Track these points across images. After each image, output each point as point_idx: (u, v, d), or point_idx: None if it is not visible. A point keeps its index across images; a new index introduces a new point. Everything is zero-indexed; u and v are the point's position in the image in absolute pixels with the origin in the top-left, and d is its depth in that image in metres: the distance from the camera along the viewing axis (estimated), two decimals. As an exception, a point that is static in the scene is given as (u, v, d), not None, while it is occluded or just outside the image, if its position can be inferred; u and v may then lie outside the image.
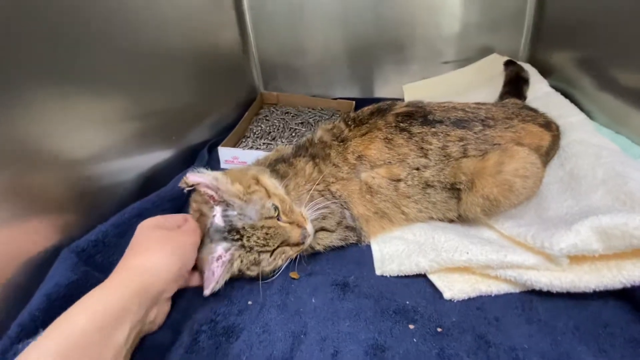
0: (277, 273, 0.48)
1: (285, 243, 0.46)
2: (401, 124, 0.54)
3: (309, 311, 0.44)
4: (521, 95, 0.78)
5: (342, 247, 0.53)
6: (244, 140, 0.87)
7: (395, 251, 0.49)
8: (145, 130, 0.65)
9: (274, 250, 0.46)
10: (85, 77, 0.53)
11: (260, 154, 0.75)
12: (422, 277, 0.47)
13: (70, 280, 0.43)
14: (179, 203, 0.60)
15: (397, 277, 0.47)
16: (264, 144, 0.85)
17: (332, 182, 0.53)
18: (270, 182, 0.50)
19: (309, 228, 0.48)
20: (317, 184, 0.52)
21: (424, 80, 0.99)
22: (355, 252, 0.53)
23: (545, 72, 0.83)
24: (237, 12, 0.96)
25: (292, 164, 0.56)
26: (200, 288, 0.45)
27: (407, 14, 0.92)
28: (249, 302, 0.46)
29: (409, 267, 0.46)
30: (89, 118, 0.54)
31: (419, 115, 0.54)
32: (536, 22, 0.89)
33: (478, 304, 0.42)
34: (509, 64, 0.85)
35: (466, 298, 0.43)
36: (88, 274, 0.45)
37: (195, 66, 0.81)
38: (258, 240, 0.44)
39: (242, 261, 0.44)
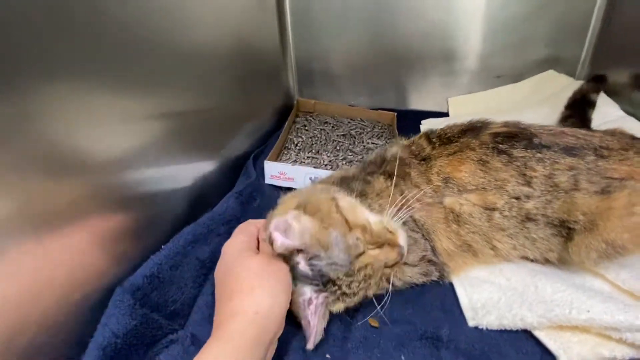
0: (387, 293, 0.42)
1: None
2: (500, 145, 0.47)
3: (402, 371, 0.38)
4: (585, 119, 0.72)
5: (423, 284, 0.48)
6: (285, 152, 0.80)
7: (489, 299, 0.44)
8: (188, 136, 0.58)
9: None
10: (130, 73, 0.46)
11: (308, 170, 0.69)
12: (526, 332, 0.41)
13: (128, 328, 0.37)
14: (234, 225, 0.54)
15: (496, 331, 0.41)
16: (308, 157, 0.79)
17: (416, 208, 0.47)
18: (348, 205, 0.43)
19: (402, 241, 0.41)
20: (399, 209, 0.45)
21: (473, 94, 0.94)
22: (437, 294, 0.47)
23: (610, 93, 0.78)
24: (279, 14, 0.90)
25: (368, 182, 0.49)
26: None
27: (460, 23, 0.87)
28: (327, 356, 0.40)
29: (512, 321, 0.40)
30: (133, 116, 0.47)
31: (522, 138, 0.48)
32: (600, 38, 0.83)
33: (600, 372, 0.37)
34: (594, 80, 0.78)
35: (585, 364, 0.37)
36: (147, 317, 0.39)
37: (236, 69, 0.75)
38: (360, 284, 0.38)
39: (340, 305, 0.39)
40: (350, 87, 1.00)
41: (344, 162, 0.77)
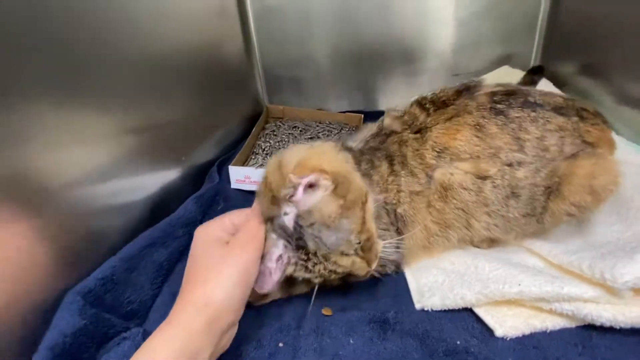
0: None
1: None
2: (498, 106, 0.45)
3: (348, 354, 0.40)
4: None
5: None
6: (253, 157, 0.82)
7: (434, 282, 0.46)
8: (150, 147, 0.60)
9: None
10: (86, 90, 0.47)
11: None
12: (467, 310, 0.43)
13: (77, 327, 0.38)
14: (194, 228, 0.55)
15: (441, 311, 0.43)
16: (274, 161, 0.81)
17: (403, 202, 0.45)
18: (372, 209, 0.41)
19: (374, 266, 0.41)
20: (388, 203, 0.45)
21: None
22: (389, 281, 0.49)
23: (559, 84, 0.82)
24: (242, 23, 0.92)
25: (374, 165, 0.46)
26: None
27: (417, 25, 0.90)
28: (280, 344, 0.42)
29: (453, 300, 0.42)
30: (92, 133, 0.48)
31: (519, 95, 0.46)
32: (548, 33, 0.88)
33: (534, 342, 0.39)
34: (535, 71, 0.83)
35: (520, 335, 0.39)
36: (98, 317, 0.40)
37: (200, 79, 0.77)
38: (322, 272, 0.39)
39: (294, 271, 0.39)
40: (319, 91, 1.03)
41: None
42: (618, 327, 0.37)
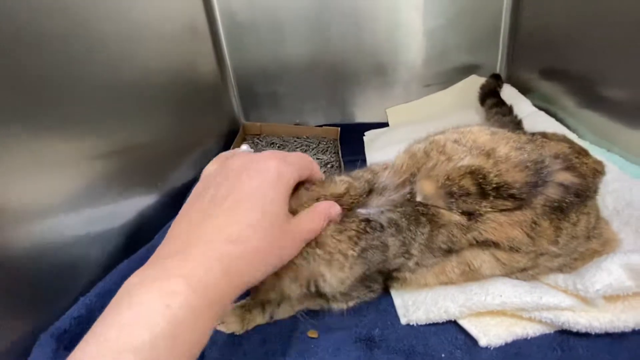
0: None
1: None
2: (563, 204, 0.39)
3: (336, 377, 0.39)
4: (504, 104, 0.79)
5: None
6: (230, 176, 0.81)
7: (418, 296, 0.46)
8: (125, 172, 0.58)
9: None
10: (54, 114, 0.45)
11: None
12: (451, 322, 0.44)
13: (51, 373, 0.36)
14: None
15: (426, 325, 0.44)
16: (252, 179, 0.80)
17: (404, 269, 0.42)
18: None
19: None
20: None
21: (407, 103, 0.99)
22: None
23: (525, 91, 0.85)
24: (214, 41, 0.92)
25: (376, 246, 0.40)
26: None
27: (388, 39, 0.93)
28: (265, 371, 0.41)
29: (437, 314, 0.43)
30: (62, 159, 0.46)
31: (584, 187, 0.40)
32: (511, 40, 0.92)
33: (515, 349, 0.40)
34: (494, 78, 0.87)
35: (502, 344, 0.40)
36: None
37: (174, 100, 0.76)
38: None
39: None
40: (296, 106, 1.04)
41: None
42: (593, 333, 0.39)
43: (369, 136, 0.95)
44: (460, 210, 0.38)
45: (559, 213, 0.39)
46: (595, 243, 0.43)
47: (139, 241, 0.56)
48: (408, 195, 0.39)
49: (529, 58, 0.88)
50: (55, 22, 0.46)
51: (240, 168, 0.34)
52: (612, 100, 0.65)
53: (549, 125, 0.72)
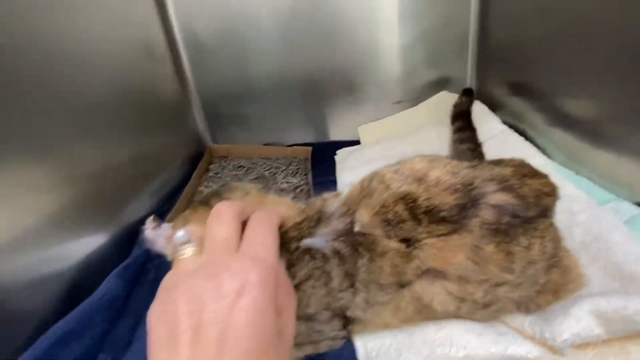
0: None
1: None
2: (502, 226, 0.37)
3: None
4: (472, 127, 0.78)
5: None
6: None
7: (381, 345, 0.43)
8: (75, 205, 0.54)
9: None
10: None
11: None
12: (417, 376, 0.41)
13: None
14: (117, 311, 0.50)
15: (390, 380, 0.41)
16: (217, 209, 0.76)
17: (356, 308, 0.39)
18: None
19: None
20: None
21: (378, 121, 0.97)
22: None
23: (495, 107, 0.84)
24: (174, 62, 0.88)
25: (319, 277, 0.38)
26: None
27: (356, 56, 0.90)
28: None
29: (401, 368, 0.40)
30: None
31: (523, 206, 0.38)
32: (479, 56, 0.91)
33: (483, 405, 0.37)
34: (466, 93, 0.86)
35: (469, 399, 0.38)
36: None
37: (132, 124, 0.72)
38: None
39: None
40: (266, 126, 1.00)
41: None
42: (563, 383, 0.36)
43: (340, 155, 0.92)
44: (398, 238, 0.37)
45: (503, 236, 0.37)
46: (556, 273, 0.41)
47: (88, 286, 0.51)
48: (350, 225, 0.39)
49: (497, 73, 0.87)
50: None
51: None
52: (578, 119, 0.63)
53: (519, 145, 0.70)
